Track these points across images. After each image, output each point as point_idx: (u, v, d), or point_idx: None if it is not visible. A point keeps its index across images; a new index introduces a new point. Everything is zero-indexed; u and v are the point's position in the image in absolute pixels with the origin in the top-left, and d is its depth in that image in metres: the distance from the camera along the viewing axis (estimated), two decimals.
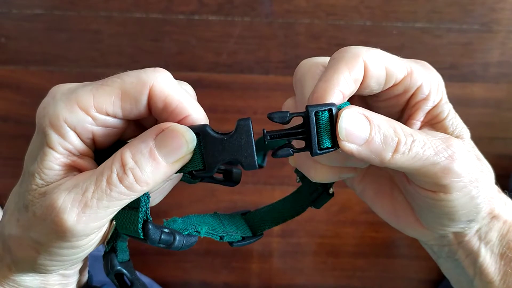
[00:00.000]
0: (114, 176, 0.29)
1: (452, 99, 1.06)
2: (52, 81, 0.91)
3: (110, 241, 0.35)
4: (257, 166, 0.30)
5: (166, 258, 0.96)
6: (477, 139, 1.07)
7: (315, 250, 0.97)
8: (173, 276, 0.96)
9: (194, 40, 0.91)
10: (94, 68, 0.91)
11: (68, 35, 0.91)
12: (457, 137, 0.33)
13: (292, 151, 0.29)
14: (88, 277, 0.39)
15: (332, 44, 0.91)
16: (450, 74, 0.92)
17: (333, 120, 0.29)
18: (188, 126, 0.30)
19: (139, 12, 0.90)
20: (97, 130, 0.30)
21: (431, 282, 0.96)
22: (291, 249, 0.96)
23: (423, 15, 0.91)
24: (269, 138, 0.30)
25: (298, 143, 0.32)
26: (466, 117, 1.04)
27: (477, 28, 0.92)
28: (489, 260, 0.35)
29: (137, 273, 0.88)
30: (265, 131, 0.30)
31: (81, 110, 0.29)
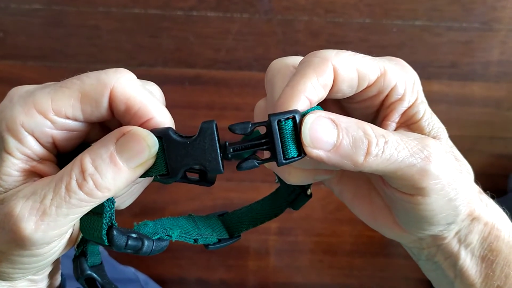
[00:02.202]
0: (73, 183, 0.28)
1: (452, 98, 1.05)
2: (50, 76, 0.90)
3: (81, 245, 0.35)
4: (222, 170, 0.28)
5: (163, 256, 0.95)
6: (476, 138, 1.07)
7: (312, 248, 0.97)
8: (170, 273, 0.96)
9: (193, 36, 0.90)
10: (92, 63, 0.91)
11: (67, 30, 0.91)
12: (434, 137, 0.32)
13: (257, 162, 0.28)
14: (61, 280, 0.38)
15: (331, 41, 0.91)
16: (450, 72, 0.92)
17: (297, 127, 0.28)
18: (151, 130, 0.29)
19: (138, 7, 0.90)
20: (57, 134, 0.29)
21: (428, 282, 0.95)
22: (288, 247, 0.96)
23: (423, 13, 0.91)
24: (232, 151, 0.29)
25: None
26: (466, 116, 1.04)
27: (477, 26, 0.91)
28: (469, 263, 0.34)
29: (133, 269, 0.88)
30: (227, 143, 0.29)
31: (38, 114, 0.28)
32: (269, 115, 0.28)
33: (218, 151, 0.28)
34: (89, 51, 0.91)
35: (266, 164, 0.33)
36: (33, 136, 0.29)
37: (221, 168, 0.28)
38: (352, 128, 0.28)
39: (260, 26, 0.90)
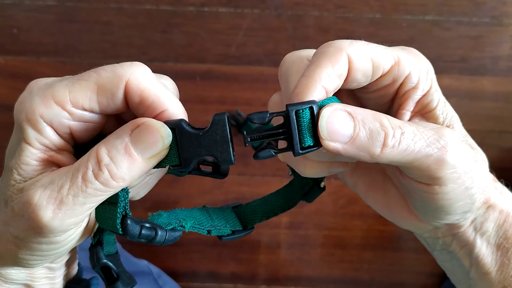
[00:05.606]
0: (90, 173, 0.28)
1: (462, 92, 1.04)
2: (63, 72, 0.91)
3: (97, 234, 0.35)
4: (233, 161, 0.29)
5: (175, 249, 0.97)
6: (486, 132, 1.07)
7: (322, 242, 0.97)
8: (182, 266, 0.97)
9: (204, 32, 0.91)
10: (104, 59, 0.92)
11: (79, 26, 0.92)
12: (448, 126, 0.32)
13: (274, 152, 0.29)
14: (78, 269, 0.39)
15: (341, 36, 0.91)
16: (460, 67, 0.92)
17: (314, 118, 0.28)
18: (164, 121, 0.29)
19: (149, 4, 0.90)
20: (75, 125, 0.30)
21: (438, 276, 0.96)
22: (299, 241, 0.97)
23: (433, 7, 0.91)
24: (249, 140, 0.29)
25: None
26: (476, 110, 1.04)
27: (487, 21, 0.91)
28: (485, 251, 0.34)
29: (146, 262, 0.89)
30: (245, 132, 0.29)
31: (57, 105, 0.29)
32: (287, 105, 0.28)
33: (230, 142, 0.29)
34: (102, 47, 0.92)
35: (281, 158, 0.33)
36: (52, 127, 0.29)
37: (232, 159, 0.29)
38: (369, 120, 0.29)
39: (270, 22, 0.91)
